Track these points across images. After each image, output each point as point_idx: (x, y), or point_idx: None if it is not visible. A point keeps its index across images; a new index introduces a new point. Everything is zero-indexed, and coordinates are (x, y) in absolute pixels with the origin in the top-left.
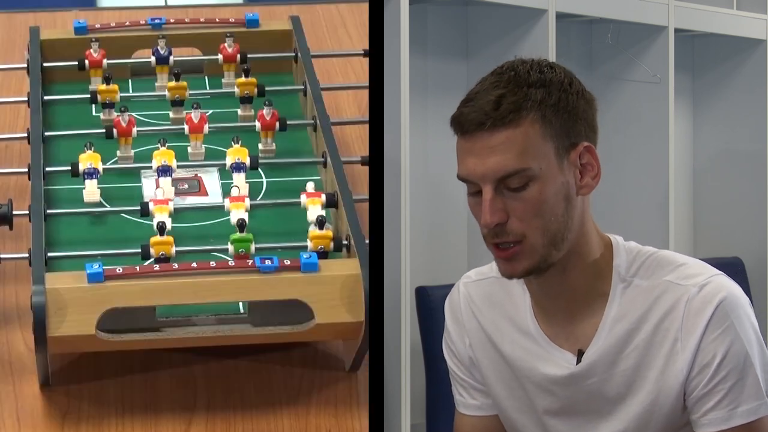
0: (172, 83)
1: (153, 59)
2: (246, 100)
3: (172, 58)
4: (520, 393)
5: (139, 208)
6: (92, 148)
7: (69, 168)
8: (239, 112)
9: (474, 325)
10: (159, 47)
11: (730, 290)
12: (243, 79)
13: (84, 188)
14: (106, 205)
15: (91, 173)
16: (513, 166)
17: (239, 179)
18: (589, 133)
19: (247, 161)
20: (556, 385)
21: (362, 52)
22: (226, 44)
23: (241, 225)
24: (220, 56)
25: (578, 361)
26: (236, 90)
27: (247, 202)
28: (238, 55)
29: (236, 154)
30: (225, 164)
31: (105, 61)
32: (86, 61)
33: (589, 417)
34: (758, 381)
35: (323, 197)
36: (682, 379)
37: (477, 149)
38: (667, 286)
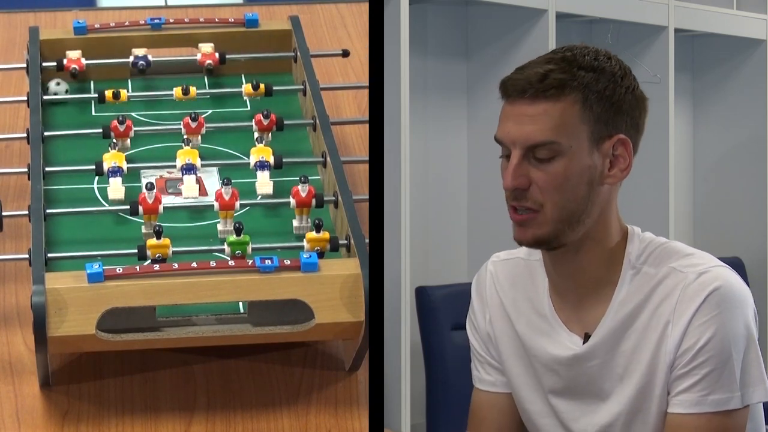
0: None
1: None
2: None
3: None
4: (531, 371)
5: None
6: (116, 148)
7: (69, 168)
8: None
9: (496, 302)
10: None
11: (728, 282)
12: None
13: (108, 186)
14: (105, 204)
15: (115, 171)
16: (544, 137)
17: (263, 177)
18: (630, 129)
19: (271, 160)
20: (560, 365)
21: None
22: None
23: (237, 228)
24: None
25: (584, 343)
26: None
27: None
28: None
29: (260, 153)
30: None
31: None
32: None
33: (589, 399)
34: (734, 374)
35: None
36: (669, 361)
37: (515, 115)
38: (669, 272)
